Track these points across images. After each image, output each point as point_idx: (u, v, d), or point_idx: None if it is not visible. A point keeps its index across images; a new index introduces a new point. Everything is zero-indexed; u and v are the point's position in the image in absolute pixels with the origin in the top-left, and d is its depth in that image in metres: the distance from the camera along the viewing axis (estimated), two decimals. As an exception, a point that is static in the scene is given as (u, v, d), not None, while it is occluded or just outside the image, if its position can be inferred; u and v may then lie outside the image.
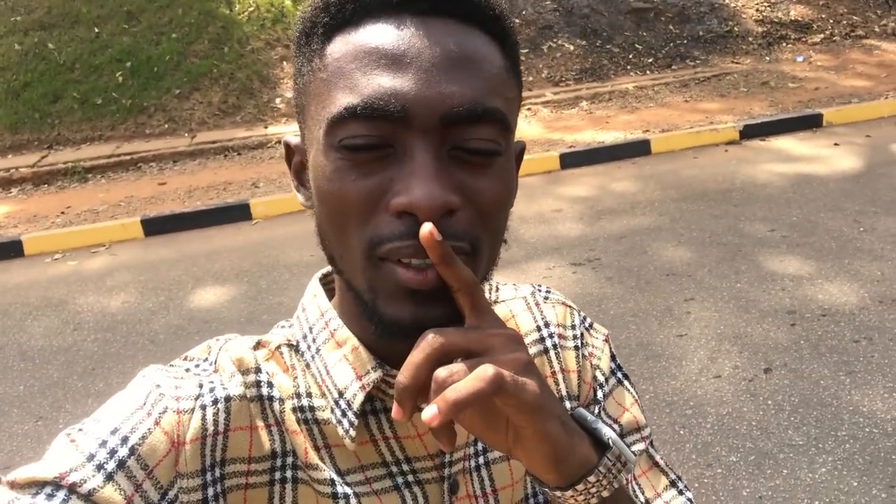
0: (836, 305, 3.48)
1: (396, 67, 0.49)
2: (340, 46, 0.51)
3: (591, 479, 0.50)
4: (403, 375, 0.47)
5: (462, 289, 0.49)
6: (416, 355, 0.47)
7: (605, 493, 0.51)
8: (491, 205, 0.52)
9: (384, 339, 0.52)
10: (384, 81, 0.49)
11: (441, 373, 0.46)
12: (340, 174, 0.50)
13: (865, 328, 3.27)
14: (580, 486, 0.50)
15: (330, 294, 0.63)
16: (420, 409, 0.57)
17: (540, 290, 0.72)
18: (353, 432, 0.56)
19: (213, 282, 4.45)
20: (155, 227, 5.39)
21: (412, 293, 0.49)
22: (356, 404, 0.56)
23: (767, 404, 2.84)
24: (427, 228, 0.46)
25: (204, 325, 3.89)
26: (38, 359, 3.76)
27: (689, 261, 4.10)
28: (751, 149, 6.02)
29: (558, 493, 0.50)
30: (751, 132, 6.24)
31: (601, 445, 0.52)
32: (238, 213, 5.50)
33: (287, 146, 0.61)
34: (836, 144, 5.87)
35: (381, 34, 0.50)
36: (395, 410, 0.47)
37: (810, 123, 6.37)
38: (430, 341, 0.47)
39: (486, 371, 0.44)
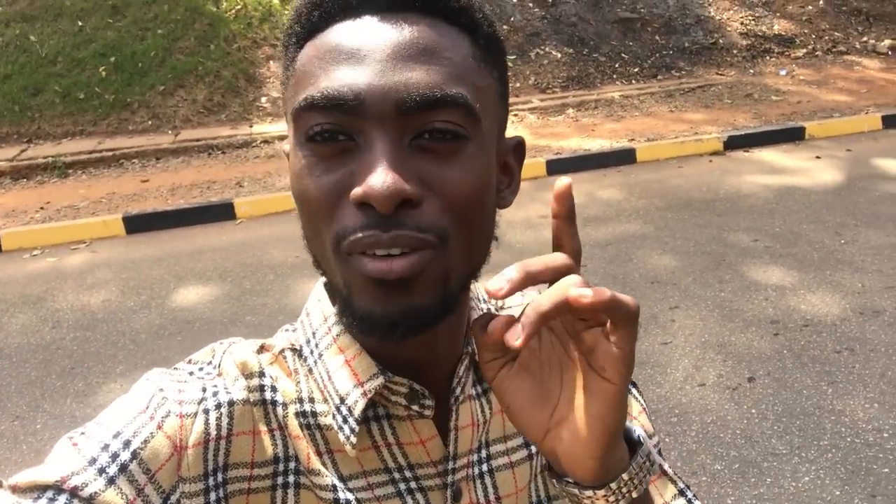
0: (818, 316, 3.52)
1: (353, 61, 0.49)
2: (307, 51, 0.52)
3: (625, 476, 0.49)
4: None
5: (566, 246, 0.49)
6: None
7: (635, 494, 0.50)
8: (459, 195, 0.50)
9: (363, 335, 0.52)
10: (341, 74, 0.49)
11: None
12: (307, 171, 0.50)
13: (847, 339, 3.31)
14: (613, 485, 0.48)
15: (334, 300, 0.62)
16: (419, 415, 0.57)
17: None
18: (353, 439, 0.55)
19: (195, 281, 4.40)
20: (137, 224, 5.32)
21: (380, 283, 0.49)
22: (357, 411, 0.55)
23: (751, 413, 2.86)
24: (565, 181, 0.45)
25: (186, 326, 3.84)
26: (16, 357, 3.68)
27: (673, 269, 4.13)
28: (734, 160, 6.08)
29: (588, 493, 0.49)
30: (735, 143, 6.31)
31: (630, 443, 0.51)
32: (222, 213, 5.44)
33: (287, 155, 0.61)
34: (817, 157, 5.95)
35: (340, 33, 0.51)
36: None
37: (793, 136, 6.46)
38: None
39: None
